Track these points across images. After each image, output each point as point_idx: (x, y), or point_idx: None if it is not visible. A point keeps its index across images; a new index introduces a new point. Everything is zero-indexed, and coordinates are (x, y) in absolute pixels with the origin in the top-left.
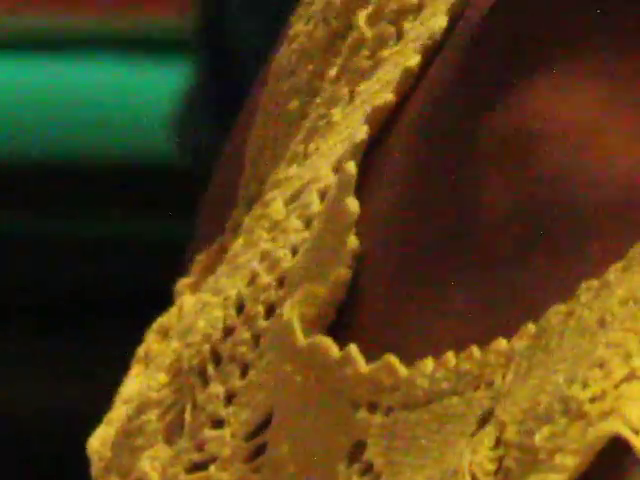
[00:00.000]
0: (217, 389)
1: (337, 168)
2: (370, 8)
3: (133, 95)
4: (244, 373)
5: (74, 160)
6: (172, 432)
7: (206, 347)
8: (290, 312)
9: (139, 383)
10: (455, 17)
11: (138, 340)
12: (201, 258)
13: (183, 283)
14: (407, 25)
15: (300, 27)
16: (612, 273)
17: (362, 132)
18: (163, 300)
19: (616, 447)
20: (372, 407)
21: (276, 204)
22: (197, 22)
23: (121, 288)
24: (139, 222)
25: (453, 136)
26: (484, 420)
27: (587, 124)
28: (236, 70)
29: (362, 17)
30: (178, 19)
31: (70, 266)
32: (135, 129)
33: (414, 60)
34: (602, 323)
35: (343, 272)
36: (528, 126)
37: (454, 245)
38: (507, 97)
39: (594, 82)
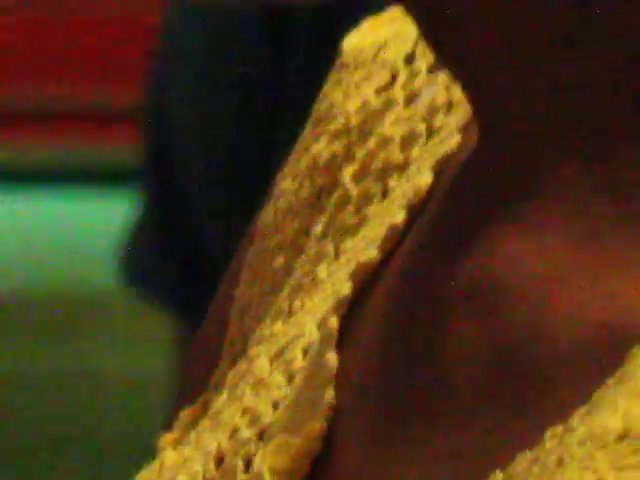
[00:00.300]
0: None
1: (321, 325)
2: (356, 165)
3: (78, 226)
4: None
5: (16, 293)
6: None
7: None
8: (261, 463)
9: None
10: (440, 173)
11: None
12: (184, 414)
13: (166, 439)
14: (392, 182)
15: (286, 185)
16: (576, 418)
17: (346, 288)
18: None
19: None
20: None
21: (261, 361)
22: (144, 153)
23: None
24: (89, 354)
25: (428, 287)
26: None
27: (553, 269)
28: (183, 201)
29: (348, 174)
30: (124, 149)
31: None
32: (83, 260)
33: (399, 217)
34: (560, 463)
35: (318, 425)
36: (496, 273)
37: (425, 397)
38: (477, 245)
39: (560, 225)
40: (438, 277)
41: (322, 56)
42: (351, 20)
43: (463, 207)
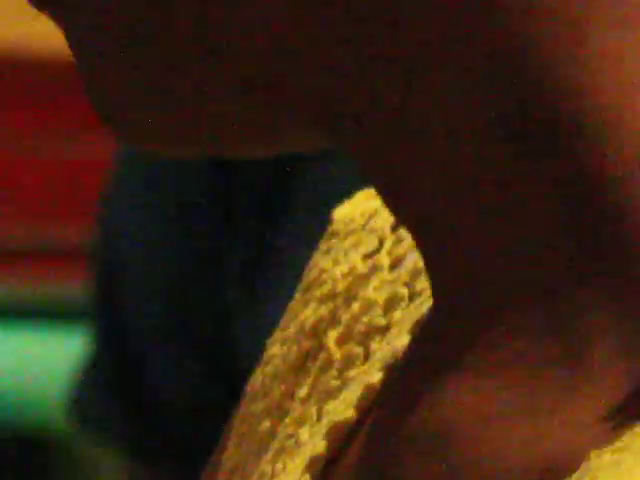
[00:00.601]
0: None
1: None
2: (340, 329)
3: (26, 366)
4: None
5: None
6: None
7: None
8: None
9: None
10: (415, 334)
11: None
12: None
13: None
14: (374, 345)
15: (275, 350)
16: None
17: (320, 447)
18: None
19: None
20: None
21: None
22: (91, 291)
23: None
24: None
25: (384, 437)
26: None
27: (496, 413)
28: (131, 340)
29: (332, 337)
30: (73, 288)
31: None
32: (30, 400)
33: (376, 377)
34: None
35: None
36: (443, 417)
37: None
38: (429, 392)
39: (505, 370)
40: (393, 425)
41: (268, 206)
42: (298, 177)
43: (419, 358)
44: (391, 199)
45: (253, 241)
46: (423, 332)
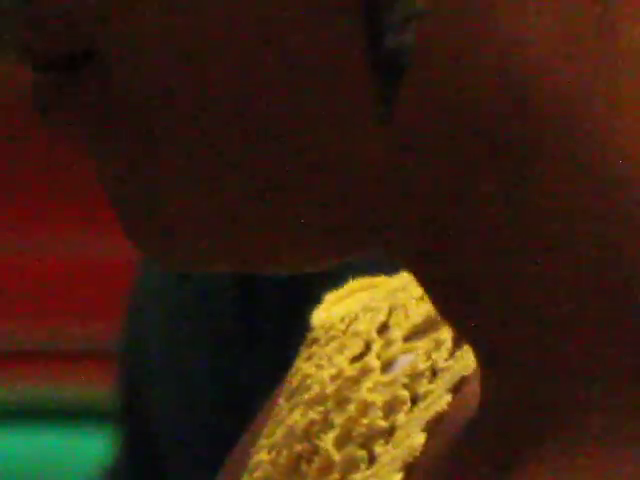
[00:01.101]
0: None
1: None
2: (336, 431)
3: (55, 467)
4: None
5: None
6: None
7: None
8: None
9: None
10: (433, 433)
11: None
12: None
13: None
14: (379, 448)
15: (262, 456)
16: None
17: None
18: None
19: None
20: None
21: None
22: (119, 393)
23: None
24: None
25: None
26: None
27: None
28: (156, 443)
29: (329, 440)
30: (99, 389)
31: None
32: None
33: (396, 478)
34: None
35: None
36: None
37: None
38: None
39: (584, 460)
40: None
41: (291, 322)
42: (318, 290)
43: (469, 467)
44: (453, 322)
45: (276, 363)
46: (473, 430)
